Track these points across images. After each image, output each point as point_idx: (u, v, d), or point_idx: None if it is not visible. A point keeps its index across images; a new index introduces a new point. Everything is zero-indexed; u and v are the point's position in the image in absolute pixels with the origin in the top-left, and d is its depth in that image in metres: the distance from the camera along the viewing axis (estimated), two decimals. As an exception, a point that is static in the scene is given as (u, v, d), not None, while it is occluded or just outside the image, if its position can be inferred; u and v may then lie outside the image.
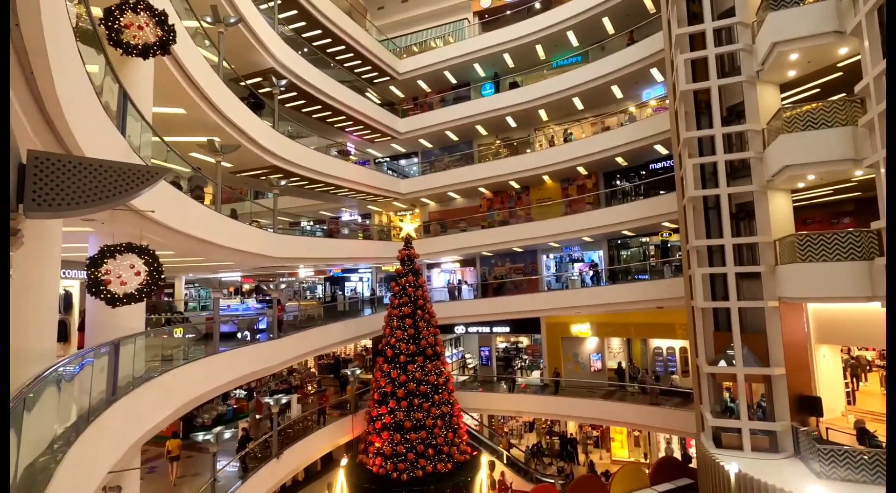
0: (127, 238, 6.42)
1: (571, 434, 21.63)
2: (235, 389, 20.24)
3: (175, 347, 11.54)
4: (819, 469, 10.71)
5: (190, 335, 14.29)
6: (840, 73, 11.73)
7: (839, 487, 10.12)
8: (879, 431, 11.58)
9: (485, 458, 17.30)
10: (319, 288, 29.84)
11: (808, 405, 12.34)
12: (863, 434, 11.13)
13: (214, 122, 12.04)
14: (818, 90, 12.90)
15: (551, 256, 24.10)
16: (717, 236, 13.09)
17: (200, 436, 12.52)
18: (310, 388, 22.26)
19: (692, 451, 17.78)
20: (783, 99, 13.00)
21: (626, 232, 20.47)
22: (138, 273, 6.54)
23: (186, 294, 25.24)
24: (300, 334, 15.92)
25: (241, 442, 14.73)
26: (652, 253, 21.31)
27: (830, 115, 10.65)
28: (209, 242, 10.13)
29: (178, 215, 8.67)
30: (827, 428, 12.17)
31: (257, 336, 15.10)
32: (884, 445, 10.68)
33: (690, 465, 16.03)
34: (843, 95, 11.12)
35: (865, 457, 10.42)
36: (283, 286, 22.76)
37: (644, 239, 21.57)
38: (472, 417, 20.79)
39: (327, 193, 21.68)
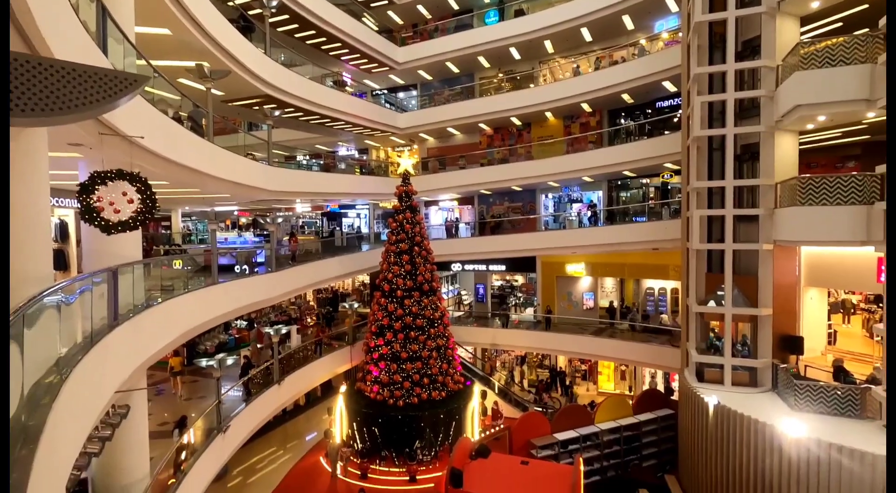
0: (117, 166, 6.26)
1: (561, 368, 22.59)
2: (236, 319, 20.79)
3: (174, 278, 11.66)
4: (793, 403, 11.28)
5: (188, 267, 14.44)
6: (866, 6, 11.05)
7: (810, 419, 10.71)
8: (856, 370, 12.10)
9: (477, 387, 18.14)
10: (317, 223, 29.85)
11: (790, 344, 12.81)
12: (839, 372, 11.63)
13: (202, 45, 11.41)
14: (840, 24, 12.23)
15: (550, 196, 23.93)
16: (720, 178, 12.93)
17: (204, 362, 13.01)
18: (309, 320, 22.89)
19: (675, 385, 18.66)
20: (802, 34, 12.34)
21: (627, 173, 20.20)
22: (131, 201, 6.46)
23: (184, 227, 25.25)
24: (298, 268, 16.11)
25: (244, 369, 15.36)
26: (651, 195, 21.17)
27: (850, 51, 10.12)
28: (202, 172, 9.94)
29: (169, 144, 8.44)
30: (806, 366, 12.71)
31: (256, 269, 15.27)
32: (858, 382, 11.20)
33: (672, 397, 16.89)
34: (867, 30, 10.52)
35: (839, 393, 10.95)
36: (279, 220, 22.75)
37: (645, 180, 21.33)
38: (466, 350, 21.58)
39: (323, 126, 21.08)
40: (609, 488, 14.30)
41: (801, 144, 12.88)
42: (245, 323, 21.19)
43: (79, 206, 6.08)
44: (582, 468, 11.76)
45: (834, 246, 11.99)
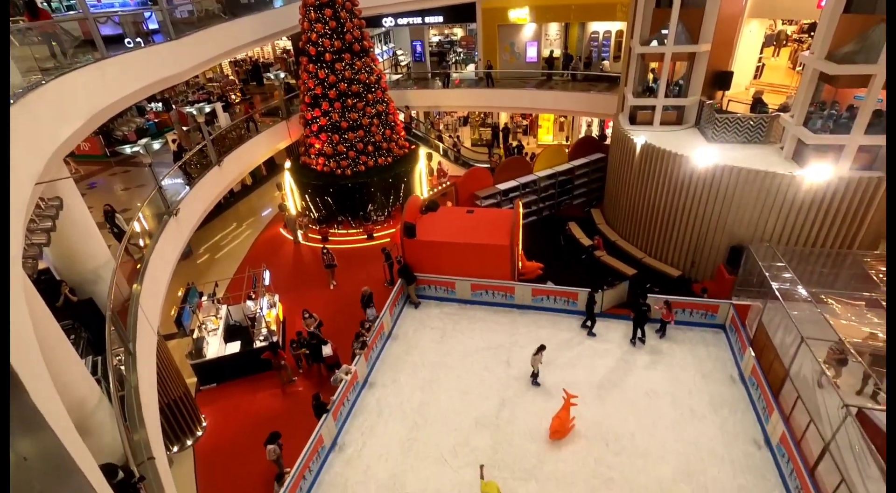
0: None
1: (505, 124, 22.90)
2: (148, 101, 18.78)
3: (50, 57, 9.80)
4: (710, 135, 12.31)
5: (65, 42, 12.07)
6: None
7: (721, 147, 11.88)
8: (772, 100, 12.92)
9: (423, 151, 18.44)
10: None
11: (719, 80, 13.21)
12: (756, 103, 12.41)
13: None
14: None
15: (490, -81, 19.98)
16: None
17: (128, 149, 12.12)
18: (234, 97, 20.98)
19: (608, 132, 19.66)
20: None
21: None
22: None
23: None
24: (202, 33, 13.77)
25: (177, 154, 14.60)
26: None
27: None
28: None
29: None
30: (729, 100, 13.42)
31: (151, 38, 12.97)
32: (771, 111, 12.10)
33: (605, 143, 17.98)
34: None
35: (751, 122, 11.93)
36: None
37: None
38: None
39: None
40: (543, 225, 16.36)
41: None
42: (160, 105, 19.21)
43: None
44: (521, 210, 13.11)
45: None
